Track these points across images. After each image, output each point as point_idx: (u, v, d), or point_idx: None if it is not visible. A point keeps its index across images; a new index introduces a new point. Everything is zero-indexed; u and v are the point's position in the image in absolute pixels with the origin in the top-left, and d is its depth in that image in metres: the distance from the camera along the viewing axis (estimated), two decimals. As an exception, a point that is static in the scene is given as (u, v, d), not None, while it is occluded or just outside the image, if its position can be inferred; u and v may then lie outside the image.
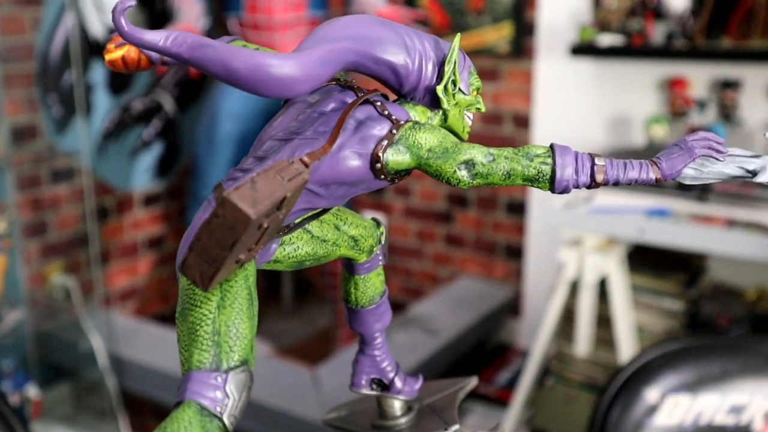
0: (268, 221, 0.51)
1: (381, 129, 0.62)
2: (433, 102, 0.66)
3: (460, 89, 0.66)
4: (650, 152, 2.38)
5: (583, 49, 2.51)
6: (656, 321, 2.18)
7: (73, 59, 2.46)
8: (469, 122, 0.69)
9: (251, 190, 0.50)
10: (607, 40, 2.48)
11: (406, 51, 0.64)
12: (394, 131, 0.62)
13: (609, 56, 2.54)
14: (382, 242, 0.76)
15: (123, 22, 0.54)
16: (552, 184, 0.61)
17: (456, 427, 0.80)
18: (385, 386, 0.80)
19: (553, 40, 2.72)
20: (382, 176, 0.62)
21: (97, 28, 2.77)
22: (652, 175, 0.61)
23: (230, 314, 0.57)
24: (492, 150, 0.61)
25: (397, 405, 0.81)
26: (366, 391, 0.81)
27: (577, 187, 0.61)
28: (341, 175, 0.61)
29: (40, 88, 2.63)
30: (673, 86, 2.53)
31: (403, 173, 0.63)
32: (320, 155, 0.59)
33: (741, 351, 1.26)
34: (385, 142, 0.61)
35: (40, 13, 2.62)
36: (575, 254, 2.07)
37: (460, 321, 2.82)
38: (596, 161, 0.61)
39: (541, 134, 2.84)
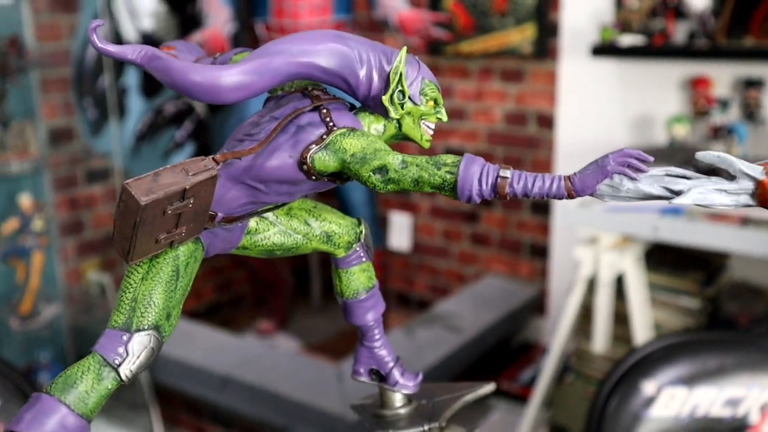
0: (173, 209, 0.60)
1: (315, 134, 0.68)
2: (388, 111, 0.71)
3: (410, 99, 0.71)
4: (672, 151, 2.39)
5: (604, 49, 2.53)
6: (673, 319, 2.19)
7: (106, 64, 2.56)
8: (429, 131, 0.73)
9: (151, 181, 0.59)
10: (627, 40, 2.49)
11: (355, 63, 0.69)
12: (325, 136, 0.68)
13: (631, 56, 2.56)
14: (362, 240, 0.81)
15: (94, 38, 0.63)
16: (455, 193, 0.63)
17: (434, 425, 0.85)
18: (383, 377, 0.86)
19: (575, 40, 2.75)
20: (313, 177, 0.68)
21: (130, 33, 2.86)
22: (564, 190, 0.62)
23: (150, 285, 0.66)
24: (408, 158, 0.65)
25: (396, 397, 0.86)
26: (364, 380, 0.87)
27: (481, 197, 0.63)
28: (274, 173, 0.68)
29: (76, 92, 2.74)
30: (695, 85, 2.53)
31: (343, 175, 0.68)
32: (239, 155, 0.66)
33: (738, 345, 1.28)
34: (314, 146, 0.67)
35: (76, 20, 2.73)
36: (591, 252, 2.10)
37: (483, 319, 2.85)
38: (501, 173, 0.63)
39: (565, 134, 2.86)
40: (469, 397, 0.90)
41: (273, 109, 0.71)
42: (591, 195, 0.63)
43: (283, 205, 0.74)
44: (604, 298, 2.15)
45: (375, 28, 3.19)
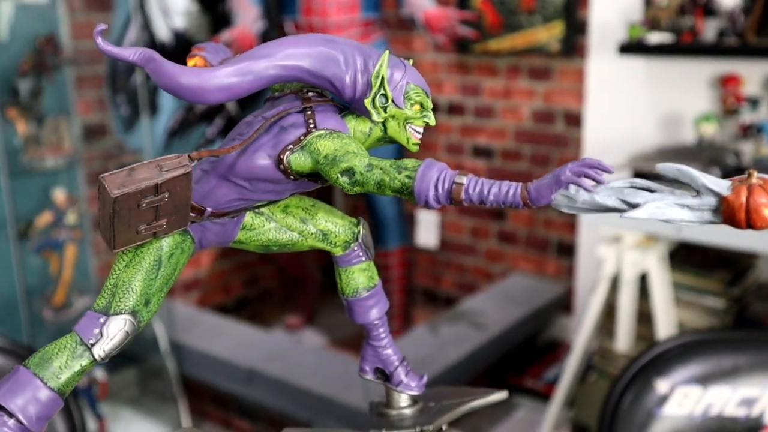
0: (148, 203, 0.64)
1: (295, 135, 0.70)
2: (371, 114, 0.73)
3: (393, 102, 0.72)
4: (700, 150, 2.37)
5: (632, 47, 2.51)
6: (698, 319, 2.17)
7: (138, 62, 2.61)
8: (416, 135, 0.74)
9: (126, 176, 0.63)
10: (656, 37, 2.48)
11: (342, 66, 0.71)
12: (303, 138, 0.70)
13: (659, 54, 2.54)
14: (360, 240, 0.82)
15: (99, 40, 0.66)
16: (414, 197, 0.64)
17: (428, 427, 0.85)
18: (387, 377, 0.87)
19: (604, 38, 2.73)
20: (292, 176, 0.71)
21: (163, 31, 2.92)
22: (519, 199, 0.62)
23: (131, 273, 0.70)
24: (375, 161, 0.66)
25: (401, 397, 0.86)
26: (370, 377, 0.88)
27: (438, 202, 0.64)
28: (255, 172, 0.71)
29: (109, 90, 2.80)
30: (725, 83, 2.50)
31: (320, 176, 0.70)
32: (215, 153, 0.69)
33: (754, 345, 1.28)
34: (291, 147, 0.69)
35: (110, 19, 2.79)
36: (614, 251, 2.09)
37: (509, 316, 2.86)
38: (457, 179, 0.63)
39: (593, 132, 2.85)
40: (478, 403, 0.90)
41: (267, 110, 0.74)
42: (548, 205, 0.62)
43: (274, 202, 0.77)
44: (627, 296, 2.14)
45: (403, 26, 3.21)
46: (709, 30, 2.46)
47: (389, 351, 0.86)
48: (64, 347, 0.69)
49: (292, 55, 0.70)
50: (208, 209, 0.73)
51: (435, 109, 3.26)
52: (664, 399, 1.26)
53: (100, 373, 2.53)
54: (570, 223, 3.03)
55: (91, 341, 0.68)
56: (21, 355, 1.35)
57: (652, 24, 2.54)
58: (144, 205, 0.64)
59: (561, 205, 0.61)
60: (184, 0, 2.96)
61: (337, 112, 0.74)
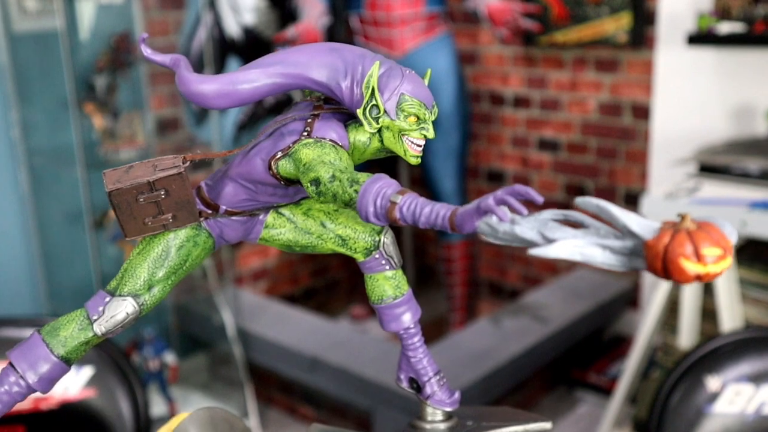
0: (145, 198, 0.69)
1: (288, 141, 0.72)
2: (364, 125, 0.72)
3: (386, 113, 0.71)
4: (772, 143, 2.31)
5: (701, 37, 2.46)
6: (765, 316, 2.12)
7: (207, 58, 2.69)
8: (413, 148, 0.72)
9: (123, 172, 0.69)
10: (726, 27, 2.41)
11: (341, 75, 0.71)
12: (292, 145, 0.71)
13: (730, 44, 2.47)
14: (381, 248, 0.81)
15: (143, 47, 0.72)
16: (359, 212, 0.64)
17: None
18: (420, 388, 0.84)
19: (672, 28, 2.67)
20: (282, 182, 0.73)
21: (233, 28, 3.00)
22: (447, 223, 0.60)
23: (139, 260, 0.75)
24: (339, 173, 0.66)
25: (433, 411, 0.84)
26: (404, 387, 0.86)
27: (377, 218, 0.63)
28: (252, 175, 0.74)
29: (181, 85, 2.89)
30: (799, 74, 2.42)
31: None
32: (208, 156, 0.73)
33: (810, 343, 1.25)
34: (280, 153, 0.72)
35: (182, 16, 2.88)
36: (677, 245, 2.05)
37: (572, 310, 2.84)
38: (393, 197, 0.62)
39: (661, 125, 2.79)
40: (517, 429, 0.85)
41: (284, 114, 0.77)
42: (474, 233, 0.59)
43: (287, 204, 0.79)
44: (690, 292, 2.10)
45: (469, 19, 3.21)
46: (783, 19, 2.38)
47: (422, 362, 0.84)
48: (73, 320, 0.75)
49: (295, 63, 0.72)
50: (222, 207, 0.76)
51: (501, 102, 3.26)
52: (714, 396, 1.25)
53: (170, 358, 2.63)
54: (637, 217, 2.98)
55: (95, 317, 0.74)
56: (100, 344, 1.42)
57: (723, 13, 2.47)
58: (142, 200, 0.70)
59: (486, 233, 0.57)
60: (253, -4, 3.03)
61: (344, 120, 0.74)
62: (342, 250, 0.81)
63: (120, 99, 2.59)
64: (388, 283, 0.81)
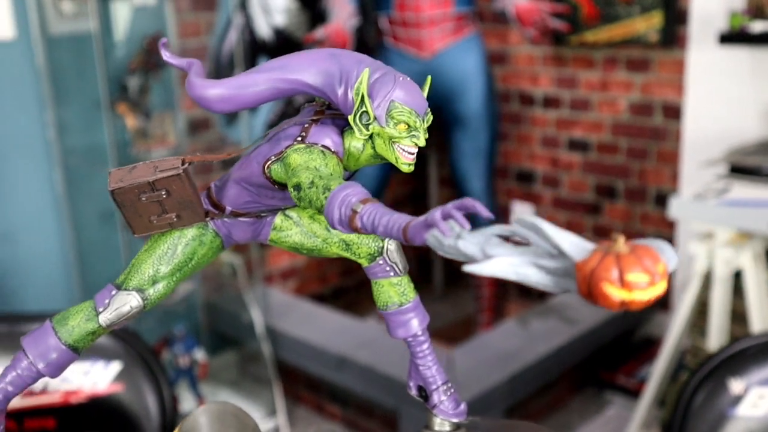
0: (148, 197, 0.71)
1: (283, 146, 0.73)
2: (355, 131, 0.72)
3: (376, 120, 0.70)
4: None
5: (734, 36, 2.43)
6: (796, 319, 2.09)
7: (237, 59, 2.72)
8: (405, 155, 0.71)
9: (127, 172, 0.71)
10: (759, 26, 2.38)
11: (336, 81, 0.71)
12: (285, 150, 0.72)
13: (762, 43, 2.44)
14: (385, 255, 0.81)
15: (162, 50, 0.75)
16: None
17: None
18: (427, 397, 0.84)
19: (704, 28, 2.65)
20: (276, 185, 0.74)
21: (264, 29, 3.03)
22: (401, 235, 0.59)
23: (145, 256, 0.77)
24: (318, 179, 0.66)
25: (440, 421, 0.83)
26: (414, 394, 0.86)
27: (341, 226, 0.63)
28: (251, 178, 0.75)
29: (213, 85, 2.93)
30: (834, 74, 2.38)
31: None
32: (208, 159, 0.75)
33: (836, 346, 1.23)
34: (273, 158, 0.73)
35: (214, 17, 2.92)
36: (705, 247, 2.04)
37: (601, 312, 2.82)
38: (354, 206, 0.61)
39: (693, 125, 2.77)
40: None
41: (300, 116, 0.77)
42: (426, 245, 0.58)
43: (294, 207, 0.79)
44: (719, 294, 2.08)
45: (498, 19, 3.20)
46: (817, 17, 2.35)
47: (430, 371, 0.83)
48: (82, 310, 0.78)
49: (293, 68, 0.73)
50: (228, 208, 0.78)
51: (531, 102, 3.25)
52: (738, 399, 1.24)
53: (200, 355, 2.67)
54: (667, 218, 2.95)
55: (100, 309, 0.77)
56: (127, 339, 1.45)
57: (756, 12, 2.44)
58: (144, 199, 0.72)
59: (435, 247, 0.56)
60: (284, -2, 3.06)
61: (343, 126, 0.74)
62: (346, 255, 0.81)
63: (152, 99, 2.64)
64: (393, 290, 0.82)
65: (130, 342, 1.44)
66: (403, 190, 3.75)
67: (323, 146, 0.72)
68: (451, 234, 0.56)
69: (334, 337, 2.70)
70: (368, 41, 3.15)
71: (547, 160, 3.30)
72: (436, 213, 0.56)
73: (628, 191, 3.07)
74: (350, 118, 0.71)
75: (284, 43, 3.10)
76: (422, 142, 0.71)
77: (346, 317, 2.89)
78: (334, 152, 0.72)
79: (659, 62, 2.86)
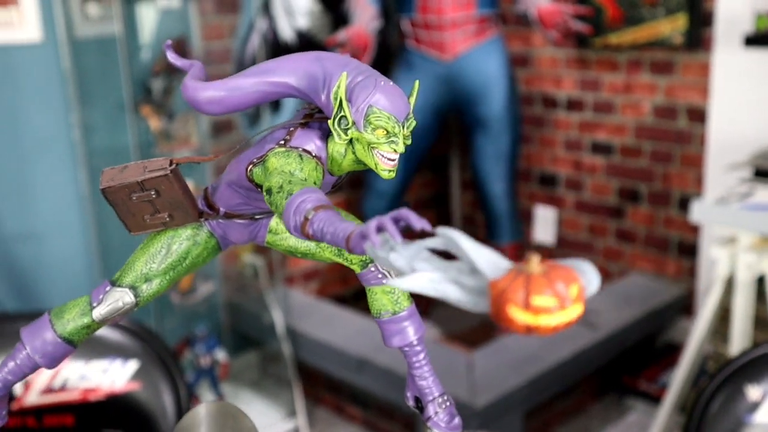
0: (138, 197, 0.72)
1: (265, 150, 0.73)
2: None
3: (355, 125, 0.69)
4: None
5: (760, 39, 2.40)
6: (821, 326, 2.06)
7: (260, 61, 2.74)
8: (384, 161, 0.70)
9: (118, 172, 0.72)
10: (785, 29, 2.35)
11: (320, 84, 0.71)
12: (267, 153, 0.72)
13: (789, 46, 2.41)
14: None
15: (168, 52, 0.76)
16: None
17: None
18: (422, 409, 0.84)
19: (730, 30, 2.62)
20: (259, 188, 0.74)
21: (286, 31, 3.05)
22: (345, 244, 0.58)
23: (139, 254, 0.79)
24: (286, 185, 0.65)
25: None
26: (411, 405, 0.86)
27: (296, 232, 0.62)
28: (240, 181, 0.76)
29: (236, 87, 2.95)
30: None
31: None
32: (195, 160, 0.77)
33: None
34: (255, 160, 0.73)
35: (238, 20, 2.94)
36: (728, 252, 2.01)
37: (623, 316, 2.80)
38: (306, 214, 0.60)
39: (717, 129, 2.74)
40: None
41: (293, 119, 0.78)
42: (361, 254, 0.57)
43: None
44: (742, 299, 2.06)
45: (521, 22, 3.19)
46: None
47: (425, 382, 0.82)
48: (78, 305, 0.80)
49: (280, 72, 0.73)
50: (222, 209, 0.79)
51: (554, 105, 3.23)
52: (755, 406, 1.22)
53: (221, 355, 2.69)
54: (691, 222, 2.92)
55: (94, 304, 0.79)
56: (145, 338, 1.47)
57: (782, 14, 2.41)
58: (135, 198, 0.73)
59: (373, 257, 0.55)
60: (307, 0, 3.07)
61: (328, 131, 0.74)
62: (339, 260, 0.80)
63: (176, 101, 2.66)
64: (386, 298, 0.81)
65: (148, 341, 1.45)
66: (426, 192, 3.75)
67: (304, 150, 0.72)
68: (384, 246, 0.54)
69: (354, 339, 2.71)
70: (390, 44, 3.15)
71: (570, 164, 3.28)
72: (371, 224, 0.54)
73: (651, 195, 3.04)
74: (329, 122, 0.70)
75: (307, 46, 3.11)
76: (401, 149, 0.69)
77: (367, 319, 2.89)
78: (315, 157, 0.72)
79: (684, 65, 2.83)
